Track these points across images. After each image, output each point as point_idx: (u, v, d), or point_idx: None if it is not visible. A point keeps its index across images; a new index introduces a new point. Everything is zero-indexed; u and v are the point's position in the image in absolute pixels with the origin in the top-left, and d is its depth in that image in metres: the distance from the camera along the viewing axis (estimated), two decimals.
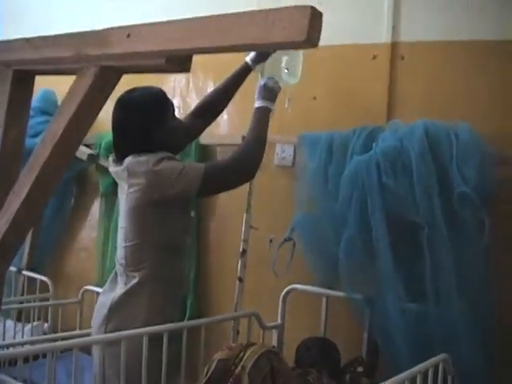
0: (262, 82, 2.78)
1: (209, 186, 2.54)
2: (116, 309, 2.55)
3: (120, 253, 2.62)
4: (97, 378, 2.47)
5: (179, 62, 1.60)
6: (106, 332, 2.52)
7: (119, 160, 2.61)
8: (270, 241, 3.29)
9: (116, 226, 3.92)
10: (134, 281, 2.54)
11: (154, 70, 1.67)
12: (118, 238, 2.67)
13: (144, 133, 2.56)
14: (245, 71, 2.96)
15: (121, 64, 1.68)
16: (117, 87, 1.90)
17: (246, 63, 2.94)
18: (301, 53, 2.96)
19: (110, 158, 2.72)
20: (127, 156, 2.55)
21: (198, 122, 2.98)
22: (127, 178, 2.53)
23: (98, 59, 1.70)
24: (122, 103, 2.61)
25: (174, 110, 2.72)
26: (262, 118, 2.71)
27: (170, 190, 2.47)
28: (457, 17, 3.04)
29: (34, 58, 1.89)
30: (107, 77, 1.72)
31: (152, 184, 2.48)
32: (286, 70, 2.94)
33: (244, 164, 2.63)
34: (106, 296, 2.63)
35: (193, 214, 2.68)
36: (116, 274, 2.67)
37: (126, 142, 2.60)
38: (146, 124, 2.57)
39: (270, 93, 2.76)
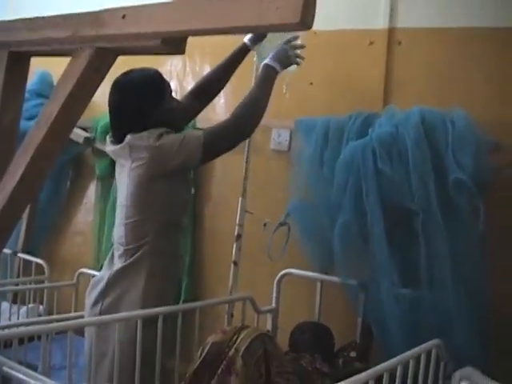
0: (284, 45, 2.75)
1: (210, 151, 2.55)
2: (114, 281, 2.55)
3: (119, 231, 2.62)
4: (93, 358, 2.47)
5: (174, 44, 1.61)
6: (102, 307, 2.54)
7: (117, 141, 2.61)
8: (264, 225, 3.29)
9: (112, 208, 3.94)
10: (134, 256, 2.55)
11: (149, 52, 1.68)
12: (116, 217, 2.67)
13: (141, 114, 2.56)
14: (243, 51, 2.97)
15: (116, 45, 1.69)
16: (113, 70, 1.91)
17: (244, 43, 2.94)
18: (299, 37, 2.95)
19: (108, 139, 2.72)
20: (125, 136, 2.55)
21: (196, 103, 2.97)
22: (129, 153, 2.54)
23: (93, 40, 1.70)
24: (118, 85, 2.61)
25: (171, 91, 2.71)
26: (267, 76, 2.68)
27: (172, 162, 2.49)
28: (454, 3, 3.04)
29: (30, 39, 1.89)
30: (102, 58, 1.72)
31: (154, 159, 2.49)
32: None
33: (242, 122, 2.62)
34: (102, 274, 2.65)
35: (193, 191, 2.68)
36: (113, 255, 2.67)
37: (123, 123, 2.60)
38: (143, 106, 2.56)
39: (285, 58, 2.73)
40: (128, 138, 2.54)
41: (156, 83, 2.63)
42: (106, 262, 2.72)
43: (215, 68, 3.03)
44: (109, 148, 2.69)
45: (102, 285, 2.58)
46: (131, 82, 2.60)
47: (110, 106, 2.63)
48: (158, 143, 2.48)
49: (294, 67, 2.93)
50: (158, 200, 2.55)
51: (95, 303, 2.57)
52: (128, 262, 2.55)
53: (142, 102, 2.56)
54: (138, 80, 2.60)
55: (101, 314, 2.53)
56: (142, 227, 2.55)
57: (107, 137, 2.74)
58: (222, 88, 3.04)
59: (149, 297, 2.53)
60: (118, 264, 2.60)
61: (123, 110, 2.60)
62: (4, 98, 1.92)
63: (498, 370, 1.95)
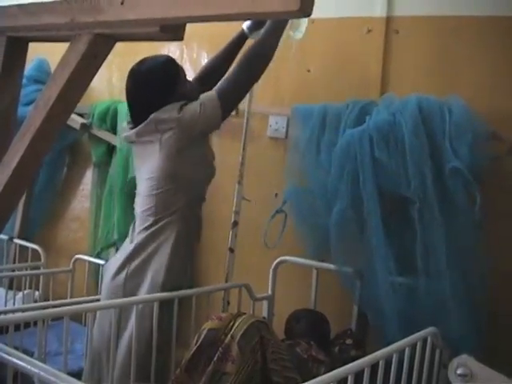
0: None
1: (228, 107, 2.69)
2: (142, 246, 2.65)
3: (146, 202, 2.69)
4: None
5: (173, 30, 1.61)
6: (128, 271, 2.63)
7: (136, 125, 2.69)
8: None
9: (109, 194, 3.96)
10: (163, 222, 2.65)
11: (147, 38, 1.68)
12: (139, 191, 2.75)
13: (159, 102, 2.63)
14: (241, 39, 3.01)
15: (114, 32, 1.68)
16: (111, 57, 1.91)
17: (243, 31, 2.95)
18: None
19: (126, 125, 2.80)
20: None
21: (204, 88, 2.95)
22: (156, 127, 2.61)
23: (91, 26, 1.70)
24: (134, 76, 2.70)
25: (185, 75, 2.79)
26: (277, 25, 2.71)
27: (196, 128, 2.61)
28: None
29: (28, 24, 1.89)
30: (100, 44, 1.72)
31: (181, 129, 2.59)
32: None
33: (250, 67, 2.69)
34: (124, 246, 2.76)
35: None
36: (134, 229, 2.74)
37: (143, 110, 2.66)
38: (161, 92, 2.64)
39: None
40: (151, 116, 2.61)
41: (171, 69, 2.72)
42: (126, 240, 2.79)
43: (215, 56, 3.11)
44: (127, 133, 2.75)
45: (126, 252, 2.67)
46: (147, 70, 2.68)
47: (128, 94, 2.73)
48: (180, 115, 2.58)
49: (298, 34, 2.94)
50: (186, 170, 2.66)
51: (120, 270, 2.66)
52: (156, 227, 2.64)
53: (159, 90, 2.64)
54: (154, 67, 2.68)
55: (126, 278, 2.63)
56: (172, 196, 2.66)
57: (124, 124, 2.85)
58: (224, 74, 3.03)
59: (175, 259, 2.63)
60: (143, 234, 2.67)
61: (141, 99, 2.69)
62: (2, 82, 1.92)
63: (493, 358, 1.96)
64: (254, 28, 2.92)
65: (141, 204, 2.72)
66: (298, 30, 3.01)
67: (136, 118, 2.70)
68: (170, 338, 2.61)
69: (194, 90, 2.82)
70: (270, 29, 2.70)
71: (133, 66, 2.72)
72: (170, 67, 2.72)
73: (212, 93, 2.66)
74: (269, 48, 2.69)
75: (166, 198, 2.65)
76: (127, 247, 2.71)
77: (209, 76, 3.07)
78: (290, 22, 2.90)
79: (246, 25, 2.95)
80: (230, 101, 2.69)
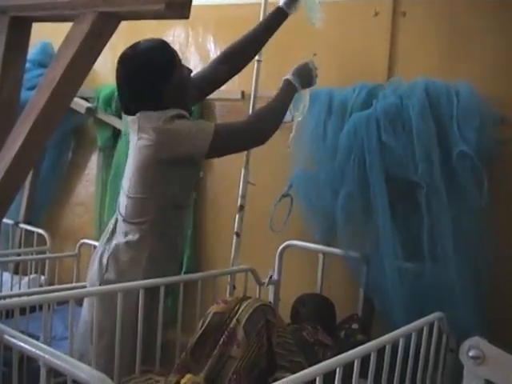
0: (309, 64, 2.83)
1: (217, 149, 2.52)
2: (116, 256, 2.54)
3: (122, 200, 2.60)
4: (92, 328, 2.47)
5: (178, 8, 1.58)
6: (102, 280, 2.54)
7: (128, 113, 2.59)
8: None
9: (114, 179, 3.94)
10: (135, 236, 2.53)
11: (152, 16, 1.65)
12: (122, 186, 2.63)
13: (152, 87, 2.51)
14: (280, 15, 2.89)
15: (119, 10, 1.66)
16: (115, 37, 1.89)
17: (280, 8, 2.87)
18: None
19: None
20: (136, 109, 2.53)
21: (222, 68, 2.90)
22: (137, 130, 2.51)
23: (95, 5, 1.68)
24: (127, 61, 2.55)
25: (180, 59, 2.63)
26: (287, 92, 2.72)
27: (178, 150, 2.45)
28: None
29: (31, 3, 1.86)
30: (105, 23, 1.70)
31: (161, 142, 2.45)
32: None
33: (257, 128, 2.64)
34: (105, 245, 2.63)
35: (201, 174, 2.66)
36: (116, 221, 2.65)
37: (134, 98, 2.55)
38: (153, 78, 2.51)
39: (306, 76, 2.80)
40: (138, 115, 2.51)
41: (166, 53, 2.57)
42: (109, 229, 2.68)
43: (247, 34, 2.92)
44: (124, 116, 2.70)
45: (103, 258, 2.58)
46: (141, 54, 2.54)
47: (118, 80, 2.58)
48: (167, 126, 2.45)
49: (301, 113, 2.93)
50: (160, 184, 2.52)
51: (97, 275, 2.57)
52: (129, 239, 2.54)
53: (152, 74, 2.50)
54: (146, 52, 2.54)
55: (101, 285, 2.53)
56: (143, 204, 2.54)
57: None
58: (253, 55, 2.99)
59: (150, 277, 2.52)
60: (119, 236, 2.59)
61: (133, 84, 2.54)
62: (5, 63, 1.90)
63: (498, 343, 1.94)
64: (291, 1, 2.86)
65: (120, 199, 2.65)
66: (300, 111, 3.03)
67: (126, 105, 2.60)
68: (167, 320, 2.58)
69: (190, 76, 2.69)
70: (280, 98, 2.71)
71: (124, 50, 2.56)
72: (165, 51, 2.57)
73: (210, 127, 2.50)
74: (277, 118, 2.68)
75: (136, 205, 2.54)
76: (105, 249, 2.60)
77: (234, 55, 2.91)
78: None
79: (282, 1, 2.87)
80: (221, 147, 2.55)
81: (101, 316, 2.40)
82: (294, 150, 3.13)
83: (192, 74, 2.72)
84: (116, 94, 4.01)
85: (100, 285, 2.53)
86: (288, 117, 3.40)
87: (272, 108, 2.69)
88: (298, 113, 3.01)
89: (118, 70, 2.56)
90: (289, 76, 2.75)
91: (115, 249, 2.56)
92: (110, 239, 2.62)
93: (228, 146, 2.60)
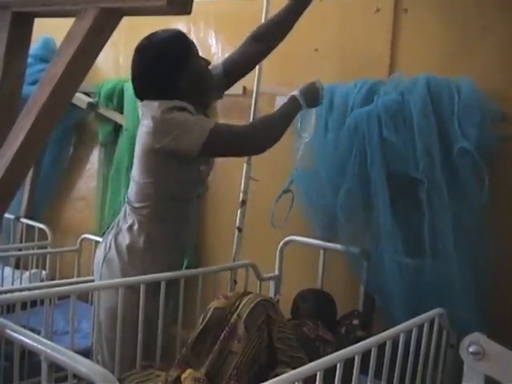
0: (317, 83, 2.76)
1: (209, 150, 2.48)
2: (118, 242, 2.58)
3: (130, 185, 2.64)
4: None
5: (180, 4, 1.58)
6: (105, 258, 2.59)
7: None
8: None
9: (116, 174, 3.96)
10: (136, 220, 2.56)
11: (154, 12, 1.65)
12: (133, 169, 2.64)
13: (168, 79, 2.50)
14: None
15: (121, 6, 1.66)
16: (116, 33, 1.89)
17: None
18: None
19: None
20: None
21: (257, 48, 2.84)
22: (141, 116, 2.55)
23: (97, 0, 1.68)
24: (143, 51, 2.55)
25: (197, 51, 2.62)
26: (290, 108, 2.68)
27: (170, 144, 2.42)
28: None
29: None
30: (107, 19, 1.70)
31: (156, 131, 2.44)
32: None
33: (260, 136, 2.61)
34: (112, 228, 2.67)
35: (202, 167, 2.63)
36: (126, 207, 2.66)
37: (149, 88, 2.54)
38: (170, 69, 2.50)
39: (313, 95, 2.74)
40: (144, 102, 2.54)
41: (183, 42, 2.57)
42: (120, 215, 2.69)
43: (277, 13, 2.86)
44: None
45: (107, 239, 2.63)
46: (158, 44, 2.53)
47: (136, 70, 2.56)
48: (165, 116, 2.43)
49: (309, 135, 2.92)
50: (161, 171, 2.52)
51: (102, 255, 2.62)
52: (131, 223, 2.57)
53: (167, 64, 2.49)
54: (161, 42, 2.53)
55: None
56: (144, 190, 2.55)
57: None
58: (285, 34, 2.87)
59: (149, 263, 2.55)
60: (124, 219, 2.62)
61: (149, 75, 2.53)
62: (7, 58, 1.90)
63: (499, 342, 1.95)
64: None
65: (129, 186, 2.67)
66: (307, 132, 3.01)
67: (142, 96, 2.58)
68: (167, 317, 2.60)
69: (207, 67, 2.67)
70: (283, 113, 2.67)
71: (141, 40, 2.55)
72: (181, 41, 2.56)
73: (207, 127, 2.44)
74: (277, 132, 2.61)
75: (139, 190, 2.57)
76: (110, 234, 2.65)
77: (268, 32, 2.83)
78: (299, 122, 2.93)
79: None
80: (214, 149, 2.52)
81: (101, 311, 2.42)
82: (295, 145, 3.13)
83: (218, 62, 2.71)
84: (117, 89, 4.04)
85: (103, 263, 2.58)
86: None
87: (276, 118, 2.64)
88: (306, 134, 2.99)
89: (133, 60, 2.56)
90: (295, 93, 2.70)
91: (117, 231, 2.60)
92: (118, 223, 2.66)
93: (224, 147, 2.56)
